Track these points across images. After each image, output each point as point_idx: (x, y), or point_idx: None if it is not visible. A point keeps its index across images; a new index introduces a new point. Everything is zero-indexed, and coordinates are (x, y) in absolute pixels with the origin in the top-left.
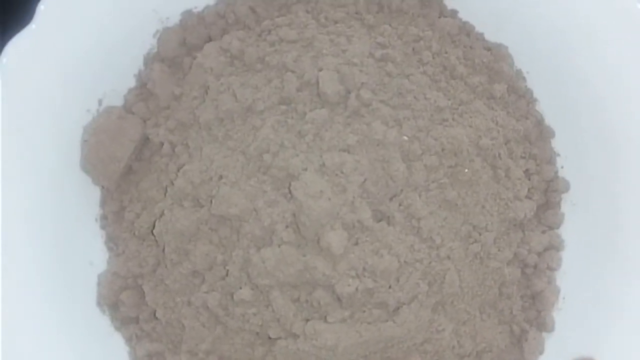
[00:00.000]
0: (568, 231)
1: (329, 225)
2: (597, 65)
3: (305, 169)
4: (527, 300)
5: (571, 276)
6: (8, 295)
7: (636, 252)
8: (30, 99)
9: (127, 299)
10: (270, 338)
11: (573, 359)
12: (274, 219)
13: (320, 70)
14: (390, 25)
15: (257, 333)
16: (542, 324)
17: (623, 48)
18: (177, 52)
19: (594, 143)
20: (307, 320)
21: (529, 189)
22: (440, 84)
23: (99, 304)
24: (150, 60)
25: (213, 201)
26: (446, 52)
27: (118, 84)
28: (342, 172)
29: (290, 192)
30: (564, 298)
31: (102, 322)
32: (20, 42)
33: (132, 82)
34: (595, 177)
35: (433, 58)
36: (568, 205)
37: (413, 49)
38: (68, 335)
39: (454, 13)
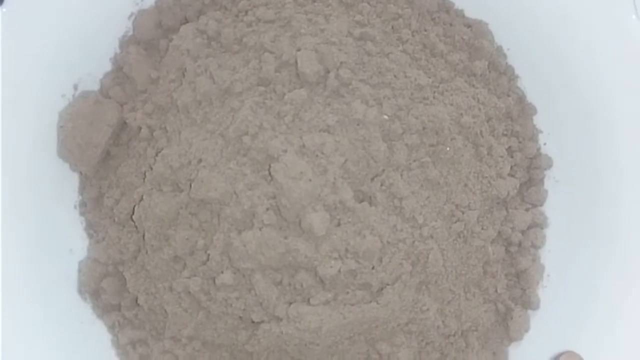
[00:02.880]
0: (551, 208)
1: (310, 206)
2: (576, 42)
3: (285, 151)
4: (512, 278)
5: (555, 254)
6: None
7: (618, 227)
8: (3, 85)
9: (108, 286)
10: (253, 322)
11: (554, 355)
12: (255, 201)
13: (299, 50)
14: (368, 3)
15: (240, 317)
16: (527, 302)
17: (601, 25)
18: (153, 35)
19: (576, 119)
20: (290, 303)
21: (511, 167)
22: (420, 62)
23: (80, 291)
24: (125, 43)
25: (192, 185)
26: (425, 30)
27: (93, 68)
28: (322, 153)
29: (270, 174)
30: (548, 275)
31: (84, 310)
32: None
33: (108, 66)
34: (578, 153)
35: (412, 36)
36: (551, 182)
37: (392, 27)
38: (50, 323)
39: None
